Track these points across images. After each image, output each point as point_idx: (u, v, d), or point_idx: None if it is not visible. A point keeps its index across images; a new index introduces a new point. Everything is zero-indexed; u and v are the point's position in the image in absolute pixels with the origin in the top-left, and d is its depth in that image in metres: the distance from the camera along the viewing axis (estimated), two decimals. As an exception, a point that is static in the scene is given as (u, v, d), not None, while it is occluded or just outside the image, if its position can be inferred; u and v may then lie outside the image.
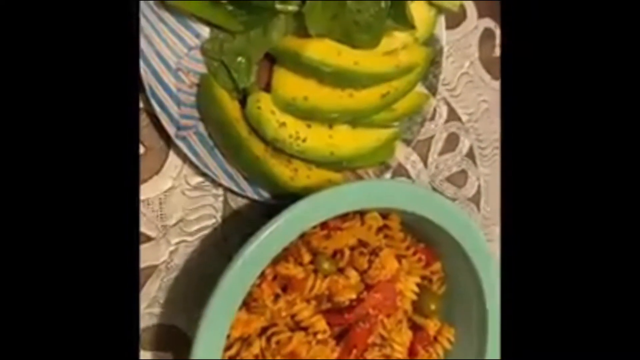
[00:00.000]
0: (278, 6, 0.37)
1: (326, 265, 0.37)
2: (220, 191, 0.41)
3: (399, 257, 0.40)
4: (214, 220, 0.41)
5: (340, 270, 0.38)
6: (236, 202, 0.41)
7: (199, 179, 0.40)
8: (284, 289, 0.37)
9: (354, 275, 0.38)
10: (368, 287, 0.38)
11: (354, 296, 0.38)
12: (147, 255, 0.39)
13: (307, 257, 0.37)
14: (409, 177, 0.47)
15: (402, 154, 0.45)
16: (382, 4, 0.39)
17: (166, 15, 0.37)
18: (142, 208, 0.38)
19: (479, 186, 0.51)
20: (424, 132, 0.46)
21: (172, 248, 0.40)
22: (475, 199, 0.51)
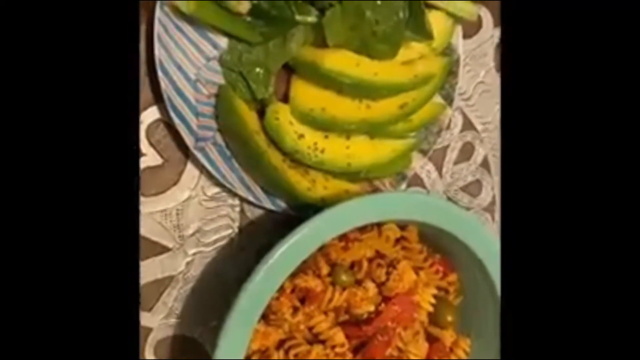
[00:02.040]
0: (297, 17, 0.37)
1: (344, 277, 0.37)
2: (236, 201, 0.41)
3: (416, 269, 0.40)
4: (230, 231, 0.41)
5: (358, 282, 0.38)
6: (253, 213, 0.41)
7: (216, 189, 0.40)
8: (302, 302, 0.37)
9: (371, 287, 0.38)
10: (386, 299, 0.38)
11: (372, 308, 0.38)
12: (164, 266, 0.39)
13: (325, 269, 0.37)
14: (423, 186, 0.47)
15: (418, 163, 0.45)
16: (401, 14, 0.39)
17: (185, 26, 0.36)
18: (160, 219, 0.38)
19: (493, 196, 0.51)
20: (439, 142, 0.46)
21: (189, 259, 0.40)
22: (490, 209, 0.50)
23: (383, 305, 0.38)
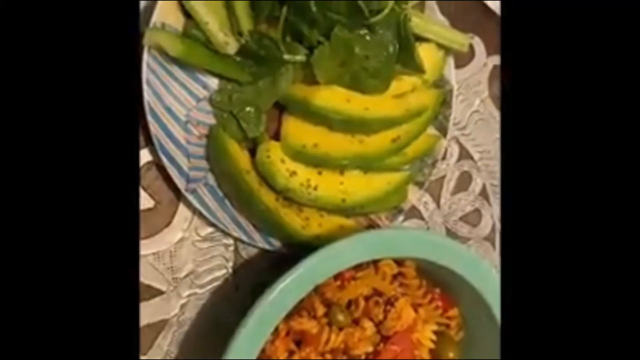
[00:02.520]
0: (286, 56, 0.37)
1: (341, 317, 0.37)
2: (230, 241, 0.40)
3: (415, 306, 0.39)
4: (224, 271, 0.40)
5: (355, 322, 0.37)
6: (247, 252, 0.41)
7: (209, 229, 0.39)
8: (298, 344, 0.36)
9: (369, 327, 0.37)
10: (384, 339, 0.37)
11: (370, 349, 0.37)
12: (158, 310, 0.38)
13: (321, 310, 0.36)
14: (421, 218, 0.46)
15: (415, 195, 0.44)
16: (391, 49, 0.39)
17: (173, 68, 0.36)
18: (153, 261, 0.38)
19: (493, 225, 0.50)
20: (436, 172, 0.46)
21: (183, 301, 0.39)
22: (491, 238, 0.50)
23: (382, 345, 0.37)
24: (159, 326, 0.38)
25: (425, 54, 0.41)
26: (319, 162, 0.39)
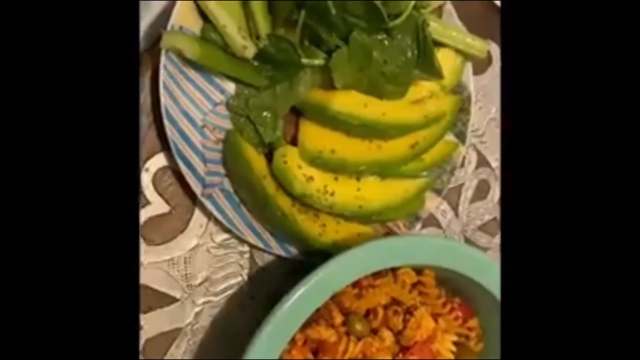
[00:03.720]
0: (304, 61, 0.36)
1: (359, 327, 0.36)
2: (246, 248, 0.39)
3: (434, 315, 0.38)
4: (240, 279, 0.39)
5: (374, 331, 0.36)
6: (263, 259, 0.40)
7: (225, 235, 0.39)
8: (315, 353, 0.35)
9: (388, 337, 0.36)
10: (403, 349, 0.36)
11: (389, 359, 0.36)
12: (172, 318, 0.38)
13: (338, 319, 0.35)
14: (439, 227, 0.46)
15: (433, 203, 0.43)
16: (409, 54, 0.38)
17: (191, 72, 0.36)
18: (167, 268, 0.37)
19: (512, 234, 0.49)
20: (454, 180, 0.45)
21: (197, 309, 0.38)
22: (509, 248, 0.49)
23: (401, 355, 0.36)
24: (173, 335, 0.38)
25: (444, 59, 0.41)
26: (336, 168, 0.39)
